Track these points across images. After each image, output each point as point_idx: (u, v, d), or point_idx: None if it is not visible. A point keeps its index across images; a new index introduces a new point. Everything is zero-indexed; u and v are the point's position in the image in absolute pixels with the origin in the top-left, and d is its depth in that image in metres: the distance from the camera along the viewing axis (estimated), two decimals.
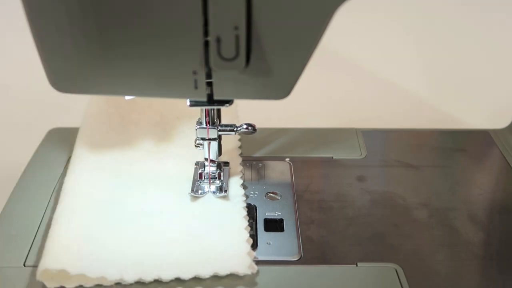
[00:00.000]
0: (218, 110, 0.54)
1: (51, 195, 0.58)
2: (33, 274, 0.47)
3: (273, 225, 0.55)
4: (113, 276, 0.46)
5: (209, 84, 0.46)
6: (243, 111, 0.66)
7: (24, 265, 0.49)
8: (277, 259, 0.50)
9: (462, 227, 0.54)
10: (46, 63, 0.45)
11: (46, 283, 0.46)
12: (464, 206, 0.57)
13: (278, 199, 0.58)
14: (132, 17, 0.41)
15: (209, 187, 0.56)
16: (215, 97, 0.47)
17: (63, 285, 0.46)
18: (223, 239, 0.50)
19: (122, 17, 0.41)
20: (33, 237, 0.52)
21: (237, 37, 0.41)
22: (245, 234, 0.51)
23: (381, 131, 0.71)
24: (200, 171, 0.57)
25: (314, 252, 0.51)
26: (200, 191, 0.56)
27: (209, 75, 0.45)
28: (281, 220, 0.55)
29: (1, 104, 0.91)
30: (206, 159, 0.56)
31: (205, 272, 0.47)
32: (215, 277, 0.47)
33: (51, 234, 0.49)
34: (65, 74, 0.45)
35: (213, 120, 0.54)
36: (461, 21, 0.88)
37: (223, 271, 0.47)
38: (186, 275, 0.47)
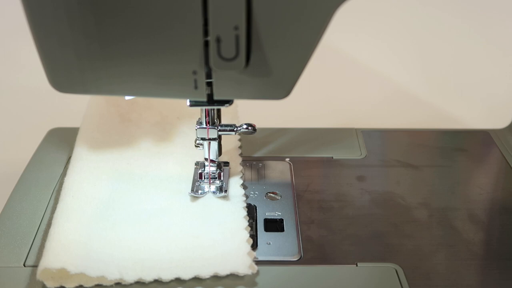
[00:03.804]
0: (218, 110, 0.54)
1: (51, 195, 0.58)
2: (33, 274, 0.47)
3: (273, 225, 0.55)
4: (113, 275, 0.46)
5: (209, 84, 0.46)
6: (243, 111, 0.66)
7: (24, 265, 0.49)
8: (277, 259, 0.50)
9: (462, 227, 0.54)
10: (46, 63, 0.45)
11: (46, 283, 0.46)
12: (464, 206, 0.57)
13: (278, 199, 0.58)
14: (132, 17, 0.41)
15: (209, 187, 0.56)
16: (215, 97, 0.47)
17: (63, 285, 0.46)
18: (223, 239, 0.50)
19: (122, 17, 0.41)
20: (33, 237, 0.52)
21: (237, 37, 0.41)
22: (245, 234, 0.50)
23: (381, 131, 0.71)
24: (200, 171, 0.57)
25: (314, 252, 0.51)
26: (200, 191, 0.56)
27: (209, 75, 0.45)
28: (281, 220, 0.55)
29: (2, 104, 0.91)
30: (206, 159, 0.56)
31: (205, 272, 0.47)
32: (215, 277, 0.47)
33: (51, 233, 0.49)
34: (65, 74, 0.45)
35: (213, 120, 0.54)
36: (461, 21, 0.88)
37: (223, 271, 0.47)
38: (186, 275, 0.47)
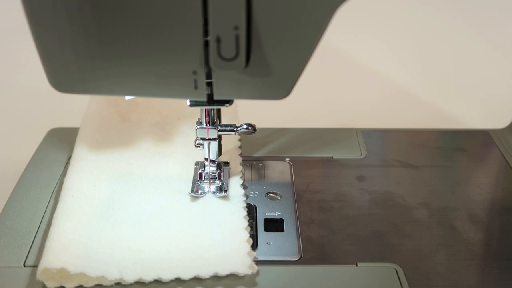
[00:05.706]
0: (218, 110, 0.54)
1: (51, 195, 0.58)
2: (33, 274, 0.47)
3: (273, 225, 0.55)
4: (113, 275, 0.46)
5: (209, 84, 0.46)
6: (243, 111, 0.66)
7: (24, 265, 0.49)
8: (277, 259, 0.50)
9: (462, 227, 0.54)
10: (46, 63, 0.45)
11: (46, 283, 0.46)
12: (464, 206, 0.57)
13: (278, 199, 0.58)
14: (132, 17, 0.41)
15: (209, 187, 0.56)
16: (215, 97, 0.47)
17: (63, 285, 0.46)
18: (223, 239, 0.50)
19: (122, 17, 0.41)
20: (33, 237, 0.52)
21: (237, 37, 0.41)
22: (245, 234, 0.51)
23: (381, 131, 0.71)
24: (200, 171, 0.57)
25: (314, 252, 0.51)
26: (200, 191, 0.56)
27: (209, 75, 0.45)
28: (281, 220, 0.55)
29: (2, 104, 0.91)
30: (206, 159, 0.56)
31: (205, 272, 0.47)
32: (215, 277, 0.47)
33: (51, 233, 0.49)
34: (65, 74, 0.45)
35: (213, 120, 0.54)
36: (461, 21, 0.88)
37: (223, 271, 0.47)
38: (186, 275, 0.47)
